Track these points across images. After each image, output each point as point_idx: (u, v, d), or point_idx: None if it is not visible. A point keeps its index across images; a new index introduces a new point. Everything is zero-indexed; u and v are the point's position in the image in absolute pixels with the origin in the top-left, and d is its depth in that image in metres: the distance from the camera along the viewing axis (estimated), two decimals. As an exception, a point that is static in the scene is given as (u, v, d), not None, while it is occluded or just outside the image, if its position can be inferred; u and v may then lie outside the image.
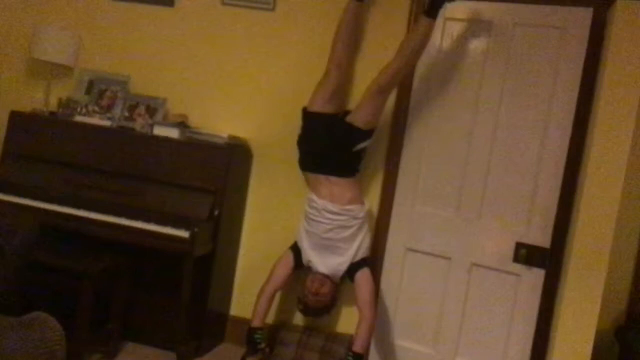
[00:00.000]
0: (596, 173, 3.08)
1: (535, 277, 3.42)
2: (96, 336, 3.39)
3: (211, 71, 4.03)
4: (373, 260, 3.65)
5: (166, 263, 3.60)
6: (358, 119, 3.40)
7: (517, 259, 3.42)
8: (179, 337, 3.52)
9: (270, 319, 3.80)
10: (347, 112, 3.50)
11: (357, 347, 3.35)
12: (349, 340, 3.58)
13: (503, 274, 3.48)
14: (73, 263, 3.22)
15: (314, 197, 3.46)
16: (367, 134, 3.42)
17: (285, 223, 3.86)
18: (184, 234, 3.37)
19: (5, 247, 2.61)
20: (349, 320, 3.70)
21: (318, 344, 3.62)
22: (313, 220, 3.46)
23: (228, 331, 3.96)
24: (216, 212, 3.57)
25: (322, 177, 3.45)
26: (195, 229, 3.36)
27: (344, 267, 3.49)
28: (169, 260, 3.50)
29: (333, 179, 3.43)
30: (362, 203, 3.50)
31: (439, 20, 3.59)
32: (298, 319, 3.87)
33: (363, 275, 3.47)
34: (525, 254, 3.40)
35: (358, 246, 3.48)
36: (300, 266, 3.57)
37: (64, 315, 2.65)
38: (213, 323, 3.80)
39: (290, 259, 3.57)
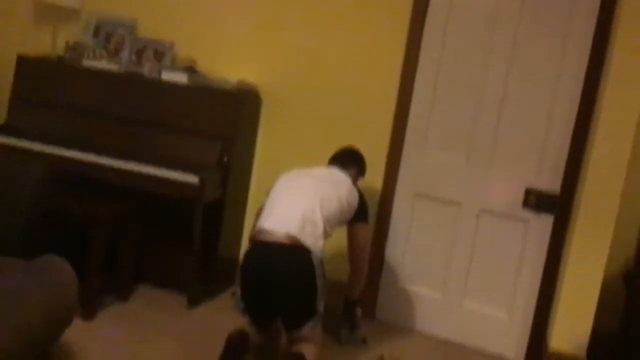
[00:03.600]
0: (608, 119, 3.05)
1: (544, 223, 3.42)
2: (108, 279, 3.44)
3: (220, 14, 3.94)
4: (382, 205, 3.70)
5: (177, 209, 3.61)
6: None
7: (526, 204, 3.42)
8: (189, 281, 3.57)
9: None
10: None
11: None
12: None
13: (512, 220, 3.49)
14: (83, 208, 3.24)
15: None
16: None
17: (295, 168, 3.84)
18: (193, 179, 3.37)
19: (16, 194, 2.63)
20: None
21: None
22: None
23: (237, 275, 4.00)
24: (225, 159, 3.56)
25: None
26: (205, 175, 3.37)
27: None
28: (180, 205, 3.52)
29: None
30: None
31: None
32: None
33: None
34: (535, 200, 3.39)
35: None
36: None
37: (76, 259, 2.66)
38: (223, 268, 3.84)
39: None
